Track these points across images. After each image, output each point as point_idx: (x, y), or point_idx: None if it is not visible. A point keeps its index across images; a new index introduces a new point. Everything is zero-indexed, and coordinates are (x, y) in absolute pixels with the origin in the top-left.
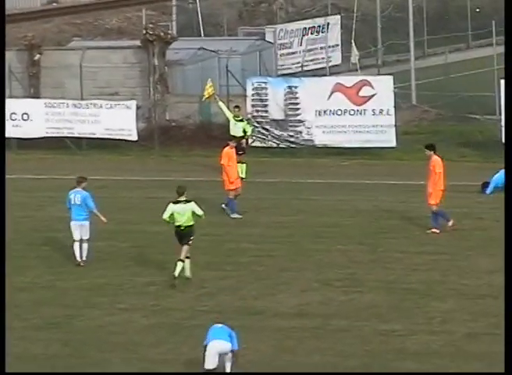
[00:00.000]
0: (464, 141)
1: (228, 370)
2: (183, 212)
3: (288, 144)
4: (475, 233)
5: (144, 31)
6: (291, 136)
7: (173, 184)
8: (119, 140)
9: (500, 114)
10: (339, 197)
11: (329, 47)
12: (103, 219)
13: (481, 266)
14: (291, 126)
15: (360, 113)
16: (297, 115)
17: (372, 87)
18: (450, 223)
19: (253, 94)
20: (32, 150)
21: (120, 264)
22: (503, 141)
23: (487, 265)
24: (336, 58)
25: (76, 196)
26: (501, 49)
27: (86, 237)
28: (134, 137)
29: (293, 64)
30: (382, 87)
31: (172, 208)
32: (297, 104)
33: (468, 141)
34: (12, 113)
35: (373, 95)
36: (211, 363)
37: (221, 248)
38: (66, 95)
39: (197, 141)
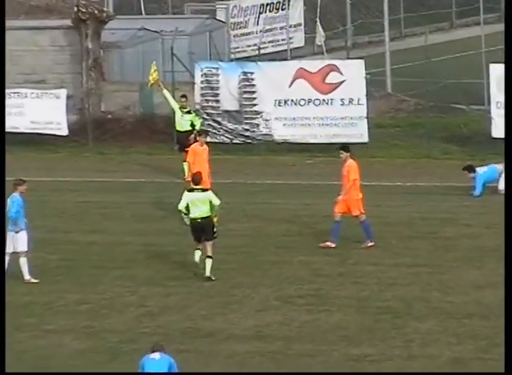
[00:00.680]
0: (447, 136)
1: None
2: (199, 202)
3: (243, 139)
4: (461, 242)
5: (76, 9)
6: (246, 130)
7: (110, 186)
8: (46, 135)
9: (489, 104)
10: (302, 201)
11: (291, 27)
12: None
13: (468, 281)
14: (246, 118)
15: (327, 103)
16: (254, 105)
17: (341, 73)
18: (368, 244)
19: (202, 82)
20: None
21: (48, 279)
22: (493, 134)
23: (475, 279)
24: (299, 39)
25: (10, 202)
26: (489, 29)
27: (21, 249)
28: (64, 132)
29: (248, 46)
30: (352, 73)
31: (187, 196)
32: (254, 93)
33: (453, 136)
34: None
35: (341, 82)
36: None
37: (165, 261)
38: None
39: (137, 137)
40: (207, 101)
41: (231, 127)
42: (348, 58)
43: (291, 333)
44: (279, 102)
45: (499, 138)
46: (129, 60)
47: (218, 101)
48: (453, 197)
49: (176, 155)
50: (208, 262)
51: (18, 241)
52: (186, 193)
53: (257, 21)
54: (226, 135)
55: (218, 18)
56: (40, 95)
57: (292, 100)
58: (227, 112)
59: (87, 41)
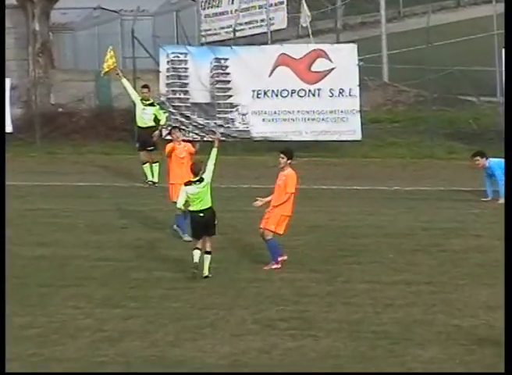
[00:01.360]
0: (453, 132)
1: None
2: (201, 194)
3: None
4: (470, 257)
5: None
6: (220, 126)
7: (61, 191)
8: None
9: (502, 95)
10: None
11: (271, 5)
12: None
13: (478, 301)
14: (220, 112)
15: (313, 95)
16: (228, 97)
17: (329, 60)
18: (273, 266)
19: (168, 70)
20: None
21: None
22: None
23: (486, 299)
24: (280, 20)
25: None
26: (502, 7)
27: None
28: (8, 128)
29: (222, 28)
30: (343, 60)
31: (185, 191)
32: (228, 82)
33: (459, 132)
34: None
35: (330, 70)
36: None
37: (125, 278)
38: None
39: (92, 134)
40: (173, 92)
41: (202, 123)
42: (338, 42)
43: (272, 361)
44: (258, 94)
45: None
46: (83, 44)
47: (186, 92)
48: (461, 203)
49: (137, 154)
50: (207, 259)
51: None
52: (183, 187)
53: None
54: (196, 132)
55: None
56: None
57: (272, 91)
58: (197, 104)
59: (34, 22)
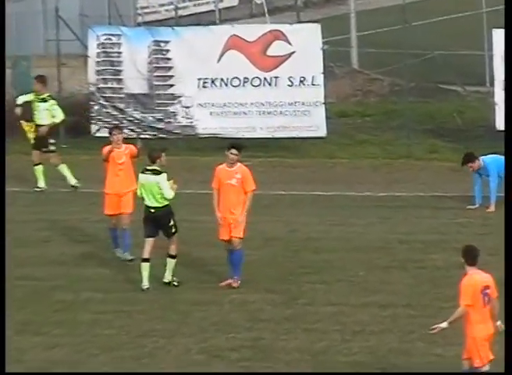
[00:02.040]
0: (434, 128)
1: None
2: (152, 187)
3: (154, 133)
4: (454, 275)
5: None
6: (160, 120)
7: None
8: None
9: (492, 84)
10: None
11: None
12: None
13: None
14: (160, 104)
15: (270, 84)
16: (169, 87)
17: (288, 43)
18: (234, 283)
19: (98, 54)
20: None
21: None
22: (498, 126)
23: None
24: None
25: None
26: None
27: None
28: None
29: (161, 6)
30: (305, 43)
31: (139, 179)
32: (169, 69)
33: (441, 128)
34: None
35: (290, 55)
36: None
37: (47, 300)
38: None
39: (11, 130)
40: (105, 80)
41: (138, 117)
42: (299, 21)
43: None
44: (204, 83)
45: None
46: None
47: (120, 80)
48: (443, 211)
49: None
50: (170, 263)
51: None
52: (140, 175)
53: None
54: (132, 128)
55: None
56: None
57: (222, 79)
58: (133, 95)
59: None
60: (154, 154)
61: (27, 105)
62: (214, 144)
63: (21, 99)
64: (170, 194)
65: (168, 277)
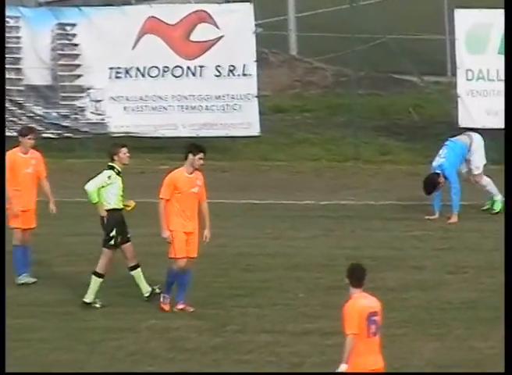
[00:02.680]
0: (386, 125)
1: None
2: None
3: (59, 131)
4: (410, 296)
5: None
6: (65, 117)
7: None
8: None
9: (454, 74)
10: (153, 229)
11: None
12: None
13: (421, 358)
14: (65, 98)
15: (194, 74)
16: (76, 77)
17: (216, 26)
18: (188, 308)
19: None
20: None
21: None
22: (461, 122)
23: (431, 355)
24: None
25: None
26: None
27: None
28: None
29: None
30: (235, 26)
31: None
32: (76, 57)
33: (395, 125)
34: None
35: (217, 40)
36: None
37: None
38: None
39: None
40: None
41: (40, 113)
42: (227, 1)
43: None
44: (118, 73)
45: (471, 128)
46: None
47: (18, 70)
48: (397, 223)
49: None
50: (93, 282)
51: None
52: None
53: None
54: (32, 125)
55: None
56: None
57: (137, 69)
58: (34, 88)
59: None
60: (111, 149)
61: None
62: (128, 144)
63: None
64: (88, 184)
65: (147, 289)
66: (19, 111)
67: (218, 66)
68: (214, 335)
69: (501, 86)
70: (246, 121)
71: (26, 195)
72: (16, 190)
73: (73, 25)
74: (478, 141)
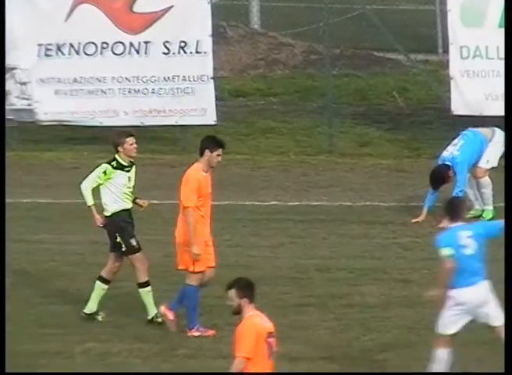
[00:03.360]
0: (366, 111)
1: None
2: None
3: None
4: (393, 315)
5: None
6: None
7: None
8: None
9: (446, 51)
10: (90, 236)
11: None
12: None
13: None
14: None
15: (138, 51)
16: None
17: None
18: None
19: None
20: None
21: None
22: (454, 108)
23: None
24: None
25: None
26: None
27: None
28: None
29: None
30: None
31: None
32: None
33: (376, 111)
34: None
35: (165, 11)
36: None
37: None
38: None
39: None
40: None
41: None
42: None
43: None
44: (47, 50)
45: (465, 116)
46: None
47: None
48: (379, 227)
49: None
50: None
51: None
52: None
53: None
54: None
55: None
56: None
57: (71, 45)
58: None
59: None
60: (115, 139)
61: None
62: (60, 133)
63: None
64: (83, 183)
65: (151, 312)
66: None
67: (167, 41)
68: (162, 360)
69: (502, 65)
70: (200, 107)
71: None
72: None
73: None
74: (499, 137)
